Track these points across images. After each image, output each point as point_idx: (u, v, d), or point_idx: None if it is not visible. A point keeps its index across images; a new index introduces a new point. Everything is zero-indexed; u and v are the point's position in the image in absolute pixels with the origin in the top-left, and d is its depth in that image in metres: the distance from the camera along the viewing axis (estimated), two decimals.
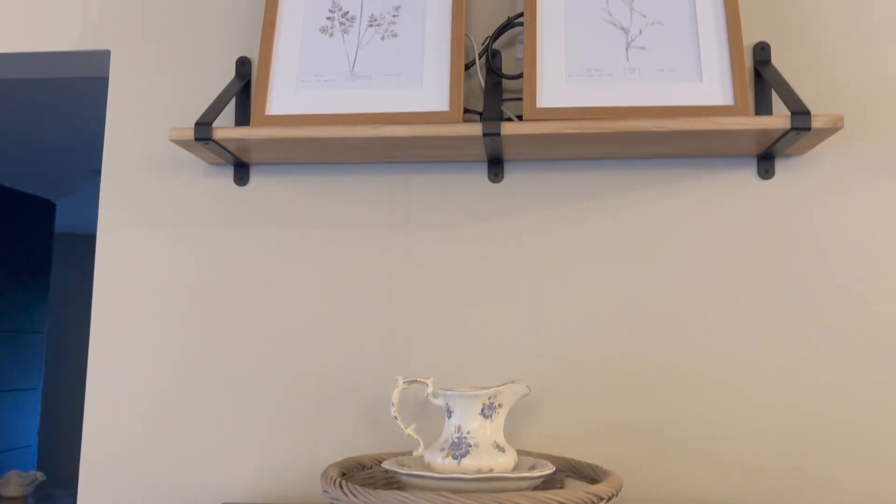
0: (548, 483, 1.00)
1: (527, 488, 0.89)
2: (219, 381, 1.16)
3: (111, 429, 1.16)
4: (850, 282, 1.09)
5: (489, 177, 1.16)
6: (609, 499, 0.83)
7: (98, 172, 3.61)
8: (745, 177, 1.12)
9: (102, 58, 1.27)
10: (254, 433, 1.15)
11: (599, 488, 0.82)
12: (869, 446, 1.06)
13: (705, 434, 1.09)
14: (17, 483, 3.27)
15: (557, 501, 0.78)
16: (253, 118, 1.10)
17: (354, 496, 0.81)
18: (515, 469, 0.93)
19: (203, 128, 1.05)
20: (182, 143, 1.09)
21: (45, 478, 3.48)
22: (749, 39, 1.14)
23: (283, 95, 1.11)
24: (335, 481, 0.84)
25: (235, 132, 1.06)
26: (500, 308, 1.14)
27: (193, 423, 1.16)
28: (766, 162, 1.11)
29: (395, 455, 1.03)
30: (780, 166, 1.12)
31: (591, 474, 0.97)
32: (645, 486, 1.08)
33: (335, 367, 1.15)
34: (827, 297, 1.09)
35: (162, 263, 1.19)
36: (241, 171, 1.19)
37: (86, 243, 5.11)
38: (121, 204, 1.21)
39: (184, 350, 1.17)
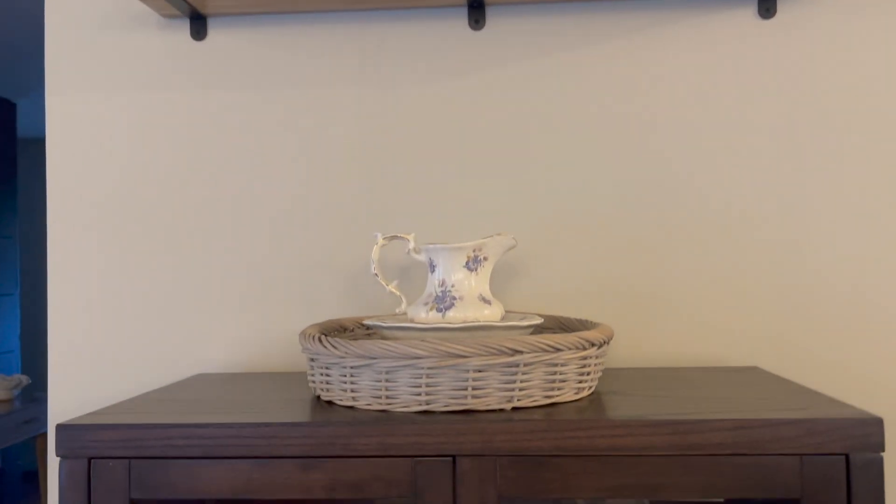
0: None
1: None
2: (187, 253, 1.10)
3: (77, 309, 1.11)
4: (852, 125, 1.03)
5: (469, 24, 1.07)
6: (600, 345, 0.80)
7: None
8: (746, 16, 1.04)
9: None
10: (229, 305, 1.10)
11: (590, 334, 0.79)
12: (853, 318, 1.03)
13: (696, 292, 1.05)
14: (1, 387, 3.26)
15: (547, 345, 0.74)
16: None
17: (334, 348, 0.76)
18: (503, 321, 0.89)
19: None
20: None
21: (29, 381, 3.47)
22: None
23: None
24: (313, 337, 0.80)
25: None
26: (483, 166, 1.08)
27: (164, 298, 1.10)
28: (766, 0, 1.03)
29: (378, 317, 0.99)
30: (782, 4, 1.04)
31: (580, 328, 0.94)
32: (633, 344, 1.06)
33: (311, 234, 1.09)
34: (829, 143, 1.04)
35: (118, 128, 1.11)
36: (198, 24, 1.09)
37: None
38: (68, 64, 1.11)
39: (149, 221, 1.11)
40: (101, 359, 1.10)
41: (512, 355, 0.73)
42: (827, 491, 0.66)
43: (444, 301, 0.87)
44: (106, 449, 0.71)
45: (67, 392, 1.10)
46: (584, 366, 0.79)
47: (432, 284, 0.89)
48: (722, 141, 1.05)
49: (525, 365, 0.74)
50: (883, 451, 0.66)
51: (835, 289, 1.03)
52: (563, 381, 0.77)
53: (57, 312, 1.11)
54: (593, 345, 0.79)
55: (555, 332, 0.98)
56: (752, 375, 0.93)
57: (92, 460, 0.71)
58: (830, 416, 0.67)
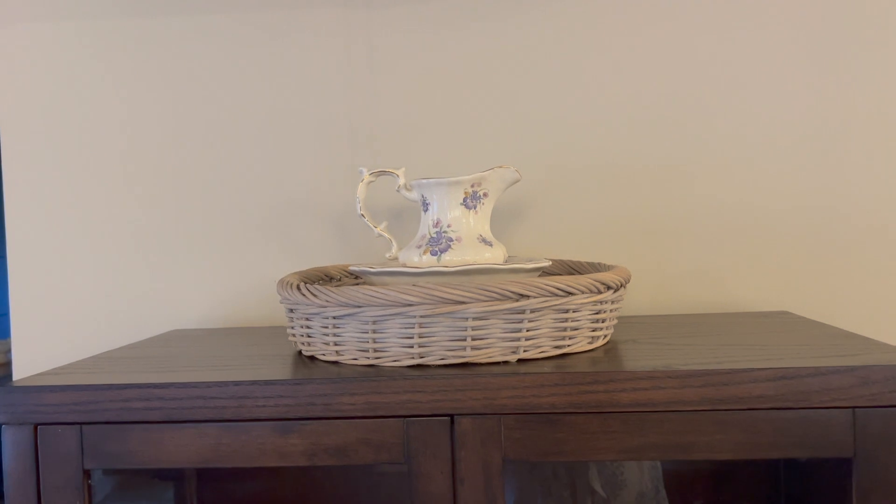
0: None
1: None
2: (157, 199, 1.00)
3: (40, 265, 1.01)
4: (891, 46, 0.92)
5: None
6: (617, 288, 0.71)
7: None
8: None
9: None
10: (206, 255, 1.00)
11: (605, 276, 0.69)
12: (880, 256, 0.94)
13: (717, 232, 0.95)
14: None
15: (557, 288, 0.65)
16: None
17: (314, 296, 0.67)
18: (506, 264, 0.79)
19: None
20: None
21: None
22: None
23: None
24: (291, 285, 0.70)
25: None
26: (481, 95, 0.97)
27: (135, 248, 1.01)
28: None
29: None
30: None
31: (592, 272, 0.84)
32: (648, 290, 0.96)
33: (291, 176, 0.99)
34: (867, 69, 0.93)
35: (75, 57, 1.00)
36: None
37: None
38: None
39: (114, 166, 1.01)
40: (68, 317, 1.01)
41: (517, 300, 0.64)
42: (884, 448, 0.57)
43: (439, 243, 0.77)
44: (54, 414, 0.62)
45: (33, 354, 1.01)
46: (598, 311, 0.69)
47: (426, 225, 0.79)
48: (748, 65, 0.94)
49: (532, 311, 0.64)
50: None
51: (874, 227, 0.94)
52: (576, 329, 0.68)
53: (17, 268, 1.01)
54: (609, 287, 0.69)
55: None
56: (785, 320, 0.84)
57: (39, 427, 0.62)
58: (888, 362, 0.58)
